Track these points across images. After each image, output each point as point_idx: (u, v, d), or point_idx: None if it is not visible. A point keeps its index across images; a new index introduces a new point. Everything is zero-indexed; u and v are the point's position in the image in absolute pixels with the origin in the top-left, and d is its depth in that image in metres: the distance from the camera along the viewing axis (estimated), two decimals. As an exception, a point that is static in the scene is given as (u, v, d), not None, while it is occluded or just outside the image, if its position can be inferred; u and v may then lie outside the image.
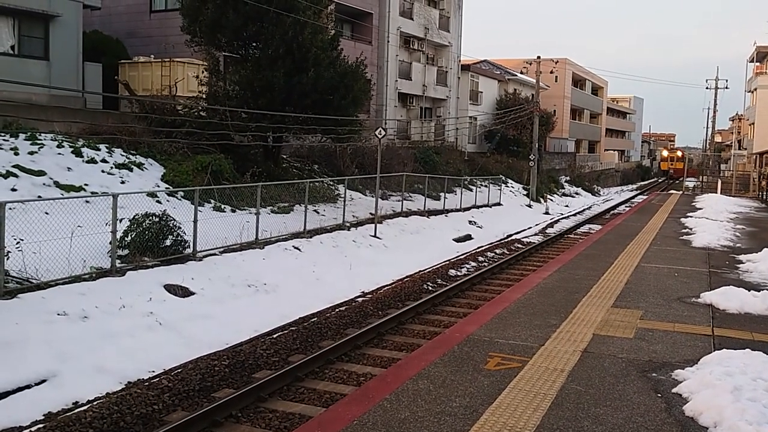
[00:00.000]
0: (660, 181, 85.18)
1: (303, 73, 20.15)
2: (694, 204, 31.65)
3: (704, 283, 11.72)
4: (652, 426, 5.60)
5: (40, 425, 7.62)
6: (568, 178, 53.96)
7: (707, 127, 76.10)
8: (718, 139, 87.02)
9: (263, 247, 15.91)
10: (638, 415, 5.81)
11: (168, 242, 13.74)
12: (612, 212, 37.83)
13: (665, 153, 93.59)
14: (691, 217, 23.95)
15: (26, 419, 7.80)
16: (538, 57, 41.02)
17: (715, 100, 67.19)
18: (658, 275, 12.35)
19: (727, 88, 69.09)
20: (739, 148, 69.05)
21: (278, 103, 20.23)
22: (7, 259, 10.55)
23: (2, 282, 10.27)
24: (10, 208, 11.18)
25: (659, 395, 6.30)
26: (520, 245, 23.31)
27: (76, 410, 8.06)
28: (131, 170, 17.95)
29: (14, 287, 10.52)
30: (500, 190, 35.75)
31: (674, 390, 6.39)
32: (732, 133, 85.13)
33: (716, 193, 41.93)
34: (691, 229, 20.21)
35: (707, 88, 66.17)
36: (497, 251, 21.68)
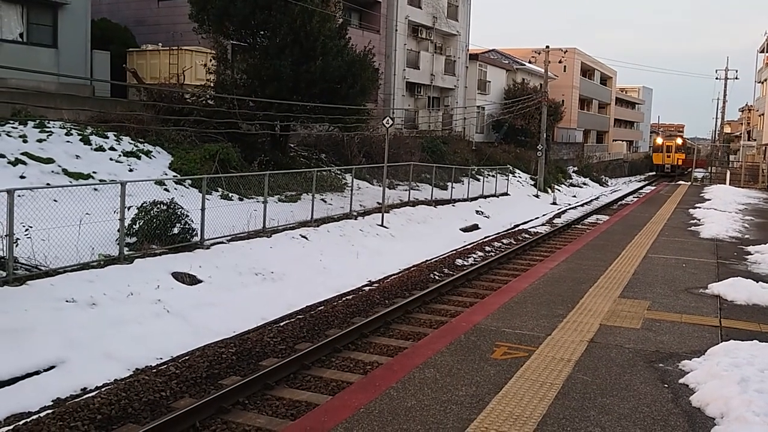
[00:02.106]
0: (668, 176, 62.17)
1: (311, 61, 20.11)
2: (702, 195, 31.50)
3: (712, 274, 11.68)
4: (659, 416, 5.60)
5: (49, 411, 7.68)
6: (575, 168, 53.77)
7: (716, 118, 75.66)
8: (727, 130, 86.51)
9: (270, 236, 15.94)
10: (645, 405, 5.81)
11: (176, 230, 13.78)
12: (620, 203, 37.72)
13: (659, 141, 66.35)
14: (699, 208, 23.86)
15: (35, 405, 7.86)
16: (547, 47, 40.81)
17: (725, 91, 66.92)
18: (665, 266, 12.31)
19: (737, 78, 68.06)
20: (749, 139, 68.61)
21: (286, 91, 20.21)
22: (16, 246, 10.60)
23: (11, 269, 10.33)
24: (19, 196, 11.22)
25: (666, 386, 6.29)
26: (527, 235, 23.27)
27: (84, 396, 8.13)
28: (139, 158, 17.99)
29: (23, 274, 10.58)
30: (507, 180, 35.67)
31: (681, 380, 6.38)
32: (741, 124, 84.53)
33: (725, 184, 41.71)
34: (699, 220, 20.13)
35: (717, 78, 65.89)
36: (504, 241, 21.66)
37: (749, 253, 13.99)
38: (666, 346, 7.47)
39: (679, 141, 65.49)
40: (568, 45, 47.93)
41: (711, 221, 19.24)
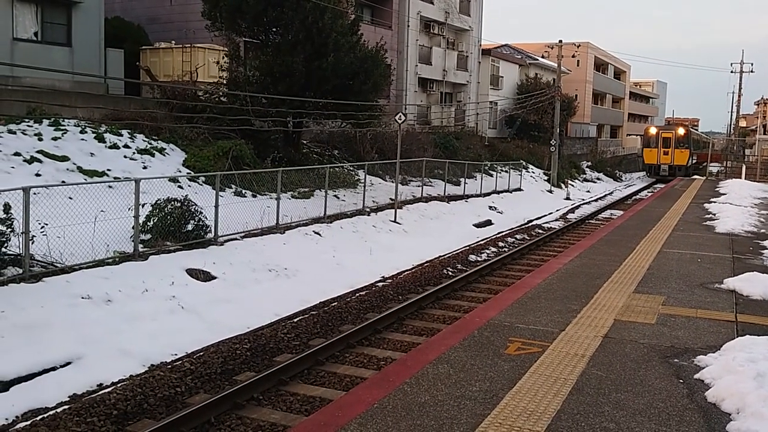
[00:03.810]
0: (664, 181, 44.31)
1: (323, 58, 20.13)
2: (717, 189, 31.22)
3: (727, 268, 11.59)
4: (674, 411, 5.57)
5: (65, 406, 7.74)
6: (589, 163, 53.44)
7: (731, 112, 74.88)
8: (742, 123, 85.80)
9: (284, 232, 15.98)
10: (660, 401, 5.78)
11: (190, 227, 13.84)
12: (634, 197, 37.51)
13: (652, 131, 48.47)
14: (714, 202, 23.66)
15: (52, 400, 7.93)
16: (560, 41, 40.60)
17: (740, 84, 66.17)
18: (680, 261, 12.23)
19: (752, 71, 67.27)
20: (764, 133, 68.00)
21: (298, 88, 20.24)
22: (32, 243, 10.70)
23: (27, 266, 10.42)
24: (34, 193, 11.30)
25: (681, 381, 6.25)
26: (540, 231, 23.20)
27: (100, 392, 8.18)
28: (153, 156, 18.09)
29: (39, 271, 10.67)
30: (521, 175, 35.55)
31: (696, 376, 6.34)
32: (757, 117, 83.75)
33: (740, 178, 41.30)
34: (714, 214, 19.98)
35: (732, 71, 65.20)
36: (517, 236, 21.60)
37: (765, 248, 13.87)
38: (681, 341, 7.42)
39: (681, 131, 47.15)
40: (581, 39, 47.64)
41: (726, 216, 19.08)
